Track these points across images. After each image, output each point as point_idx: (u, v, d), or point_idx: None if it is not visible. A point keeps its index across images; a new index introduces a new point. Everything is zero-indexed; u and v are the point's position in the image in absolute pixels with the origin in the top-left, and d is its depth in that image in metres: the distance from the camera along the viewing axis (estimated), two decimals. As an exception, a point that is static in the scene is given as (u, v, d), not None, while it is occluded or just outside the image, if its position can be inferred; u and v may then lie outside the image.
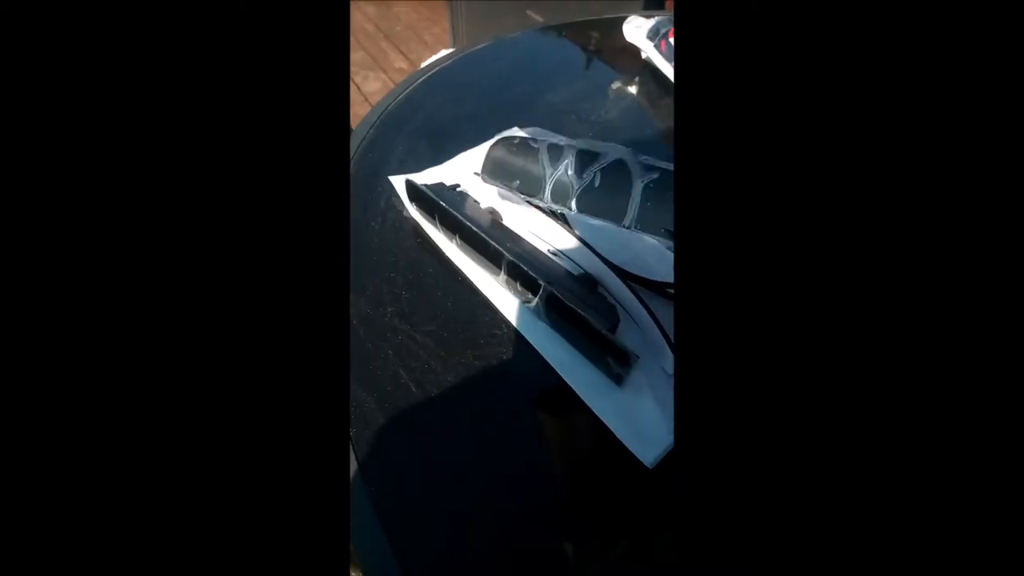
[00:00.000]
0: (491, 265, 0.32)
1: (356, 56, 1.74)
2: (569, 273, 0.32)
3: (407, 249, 0.36)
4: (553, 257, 0.33)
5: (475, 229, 0.32)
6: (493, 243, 0.31)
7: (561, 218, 0.35)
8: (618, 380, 0.28)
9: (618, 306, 0.31)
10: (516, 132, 0.38)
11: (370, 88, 1.63)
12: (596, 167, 0.29)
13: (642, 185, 0.27)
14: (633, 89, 0.54)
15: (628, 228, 0.28)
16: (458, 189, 0.36)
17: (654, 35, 0.53)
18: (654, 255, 0.33)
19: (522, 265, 0.30)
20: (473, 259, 0.34)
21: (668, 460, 0.26)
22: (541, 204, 0.32)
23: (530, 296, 0.31)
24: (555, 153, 0.31)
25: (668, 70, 0.53)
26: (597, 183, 0.29)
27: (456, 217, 0.33)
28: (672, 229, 0.26)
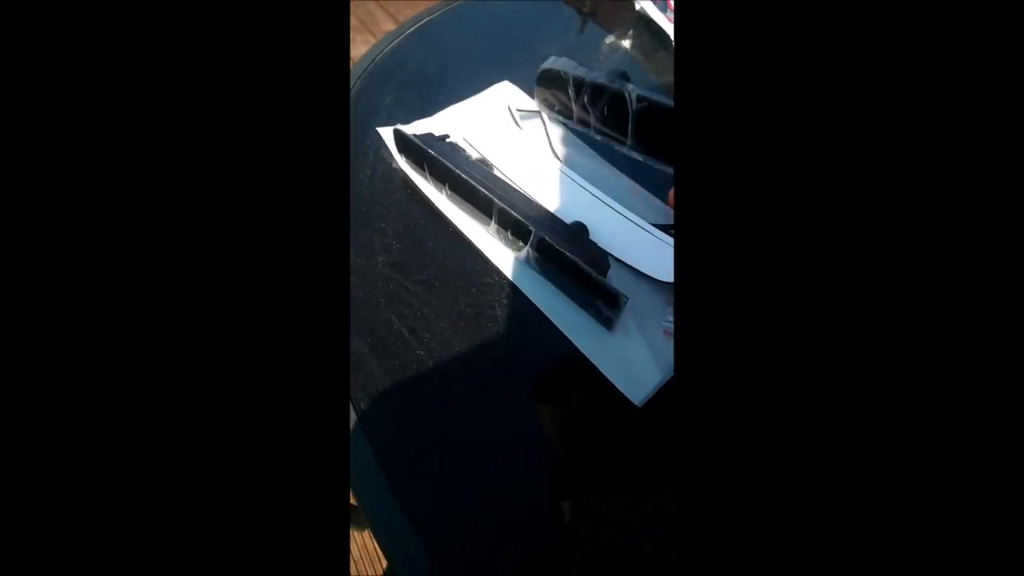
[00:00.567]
0: (481, 214, 0.32)
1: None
2: (560, 220, 0.32)
3: (397, 200, 0.36)
4: (544, 205, 0.33)
5: (465, 177, 0.32)
6: (483, 191, 0.31)
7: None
8: (608, 323, 0.28)
9: (608, 254, 0.31)
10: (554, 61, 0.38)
11: (358, 52, 1.59)
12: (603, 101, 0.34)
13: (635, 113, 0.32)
14: (627, 43, 0.53)
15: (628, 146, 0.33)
16: (448, 140, 0.36)
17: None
18: (639, 197, 0.35)
19: (513, 212, 0.30)
20: (463, 208, 0.34)
21: (656, 400, 0.27)
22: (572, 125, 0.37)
23: (520, 243, 0.30)
24: (577, 86, 0.35)
25: (663, 22, 0.52)
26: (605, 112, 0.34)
27: (446, 166, 0.33)
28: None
